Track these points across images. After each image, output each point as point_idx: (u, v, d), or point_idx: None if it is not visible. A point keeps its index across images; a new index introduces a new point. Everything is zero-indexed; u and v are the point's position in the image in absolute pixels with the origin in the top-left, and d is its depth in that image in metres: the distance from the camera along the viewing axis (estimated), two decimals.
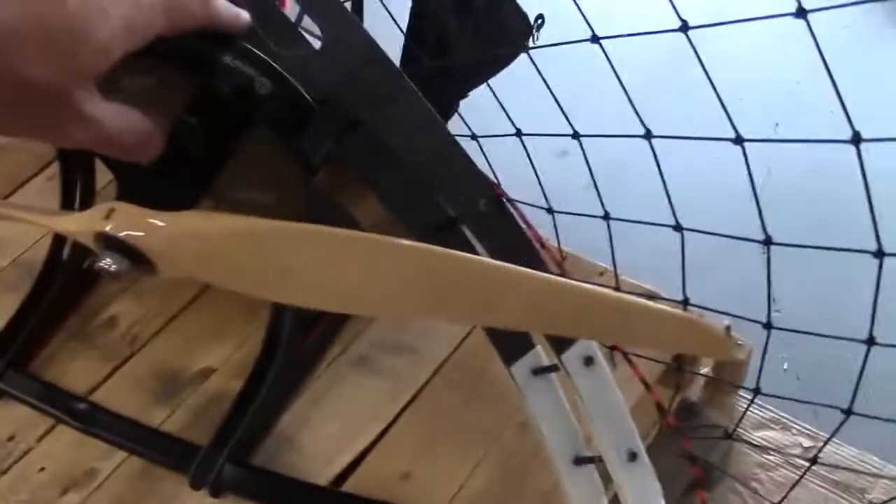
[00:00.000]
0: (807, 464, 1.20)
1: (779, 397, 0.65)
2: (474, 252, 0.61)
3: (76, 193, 1.02)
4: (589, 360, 0.60)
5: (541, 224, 0.71)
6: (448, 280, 0.39)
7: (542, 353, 0.64)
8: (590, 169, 0.62)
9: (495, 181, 0.60)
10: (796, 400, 0.67)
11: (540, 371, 0.62)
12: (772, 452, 1.12)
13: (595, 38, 0.60)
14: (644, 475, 0.60)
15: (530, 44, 0.96)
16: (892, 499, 0.99)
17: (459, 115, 0.71)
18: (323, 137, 0.55)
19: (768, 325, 0.58)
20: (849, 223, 0.88)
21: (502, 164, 0.76)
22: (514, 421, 0.90)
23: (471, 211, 0.58)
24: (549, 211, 0.67)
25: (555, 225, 0.70)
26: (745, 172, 0.57)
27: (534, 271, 0.37)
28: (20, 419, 0.95)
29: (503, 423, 0.91)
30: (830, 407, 0.61)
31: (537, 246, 0.63)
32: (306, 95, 0.52)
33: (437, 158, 0.57)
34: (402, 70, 0.59)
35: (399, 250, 0.41)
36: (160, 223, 0.46)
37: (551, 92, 0.64)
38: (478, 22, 0.87)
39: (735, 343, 0.86)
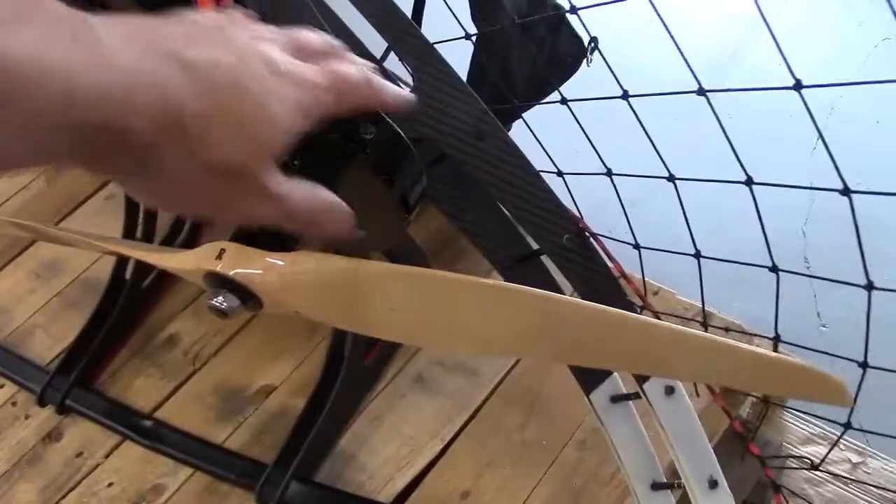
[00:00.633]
0: (856, 479, 1.22)
1: (872, 433, 0.65)
2: (555, 285, 0.62)
3: (139, 214, 1.05)
4: (670, 390, 0.62)
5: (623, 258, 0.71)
6: (565, 325, 0.41)
7: (619, 381, 0.65)
8: (684, 212, 0.63)
9: (579, 216, 0.62)
10: (888, 436, 0.66)
11: (619, 398, 0.64)
12: (821, 469, 1.13)
13: (625, 95, 0.61)
14: (724, 501, 0.61)
15: (584, 66, 0.98)
16: None
17: (545, 150, 0.72)
18: (419, 176, 0.57)
19: (864, 365, 0.59)
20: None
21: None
22: (574, 438, 0.92)
23: (554, 245, 0.59)
24: (636, 247, 0.68)
25: (640, 259, 0.71)
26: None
27: (649, 319, 0.38)
28: (87, 436, 0.98)
29: (562, 440, 0.92)
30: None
31: (620, 280, 0.64)
32: (404, 137, 0.53)
33: (521, 192, 0.59)
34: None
35: (512, 294, 0.43)
36: (278, 262, 0.48)
37: (652, 144, 0.64)
38: (538, 47, 0.89)
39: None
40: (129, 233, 1.04)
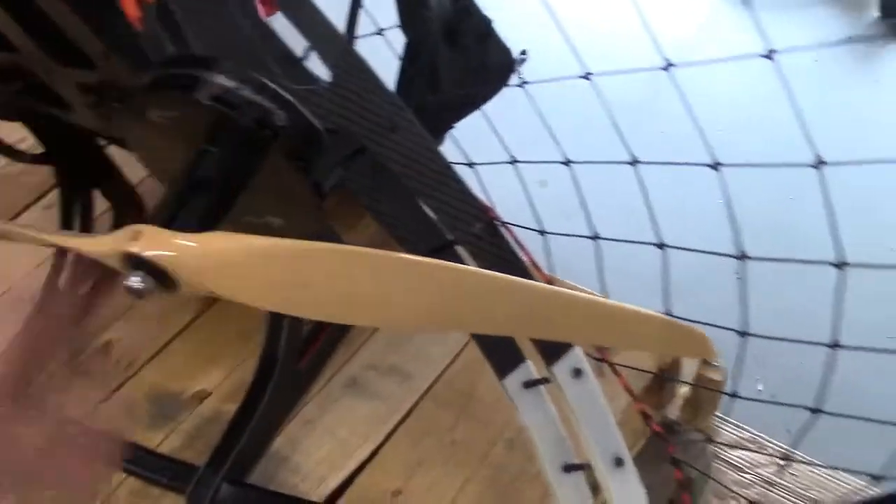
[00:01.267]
0: (780, 482, 1.25)
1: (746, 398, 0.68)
2: None
3: (75, 223, 1.05)
4: (578, 372, 0.64)
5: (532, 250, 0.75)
6: (451, 290, 0.43)
7: (532, 367, 0.68)
8: (580, 194, 0.67)
9: (489, 205, 0.64)
10: (757, 400, 0.70)
11: (531, 384, 0.66)
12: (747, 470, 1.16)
13: (587, 75, 0.64)
14: (629, 479, 0.63)
15: (514, 78, 1.02)
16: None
17: (456, 142, 0.75)
18: (333, 165, 0.59)
19: (744, 333, 0.62)
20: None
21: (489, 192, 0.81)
22: (503, 438, 0.94)
23: (466, 233, 0.62)
24: (542, 233, 0.71)
25: (545, 246, 0.74)
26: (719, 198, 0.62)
27: (531, 281, 0.41)
28: None
29: (492, 440, 0.94)
30: (797, 406, 0.65)
31: (530, 267, 0.67)
32: (318, 125, 0.56)
33: (433, 183, 0.61)
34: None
35: (409, 264, 0.45)
36: (190, 243, 0.49)
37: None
38: (466, 56, 0.92)
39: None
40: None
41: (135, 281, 0.51)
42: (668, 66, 0.58)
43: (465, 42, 0.91)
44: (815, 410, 0.63)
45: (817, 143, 0.58)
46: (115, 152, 1.04)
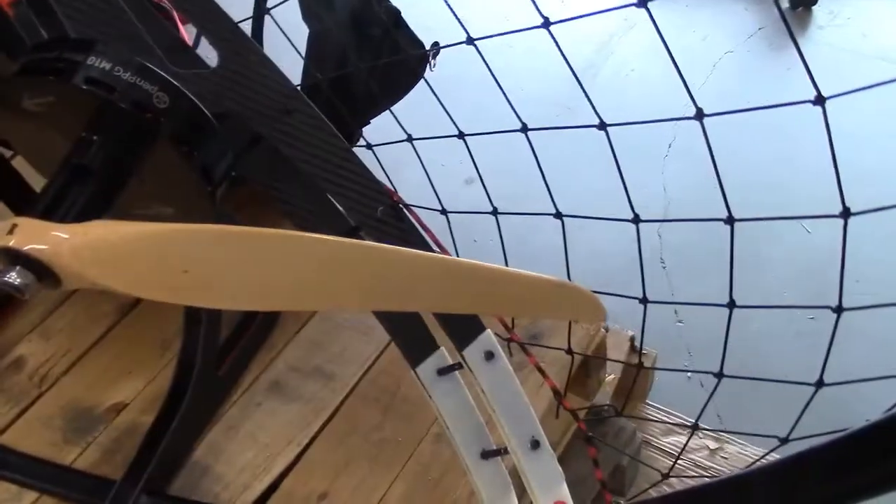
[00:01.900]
0: (713, 465, 1.26)
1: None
2: None
3: None
4: (490, 355, 0.63)
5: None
6: (343, 265, 0.42)
7: (446, 354, 0.67)
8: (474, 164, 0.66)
9: (392, 189, 0.63)
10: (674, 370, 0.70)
11: (445, 370, 0.65)
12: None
13: (546, 24, 0.62)
14: (546, 461, 0.63)
15: (428, 70, 1.01)
16: None
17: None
18: (223, 151, 0.57)
19: (644, 300, 0.62)
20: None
21: (412, 190, 0.79)
22: (430, 433, 0.92)
23: (369, 218, 0.61)
24: (443, 212, 0.71)
25: (449, 226, 0.73)
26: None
27: (418, 251, 0.40)
28: None
29: (419, 436, 0.93)
30: (704, 373, 0.65)
31: (436, 248, 0.66)
32: (204, 109, 0.54)
33: (333, 168, 0.60)
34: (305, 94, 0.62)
35: (297, 241, 0.44)
36: (64, 234, 0.47)
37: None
38: (375, 49, 0.91)
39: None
40: None
41: (12, 277, 0.49)
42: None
43: (373, 34, 0.90)
44: (719, 375, 0.63)
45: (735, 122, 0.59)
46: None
